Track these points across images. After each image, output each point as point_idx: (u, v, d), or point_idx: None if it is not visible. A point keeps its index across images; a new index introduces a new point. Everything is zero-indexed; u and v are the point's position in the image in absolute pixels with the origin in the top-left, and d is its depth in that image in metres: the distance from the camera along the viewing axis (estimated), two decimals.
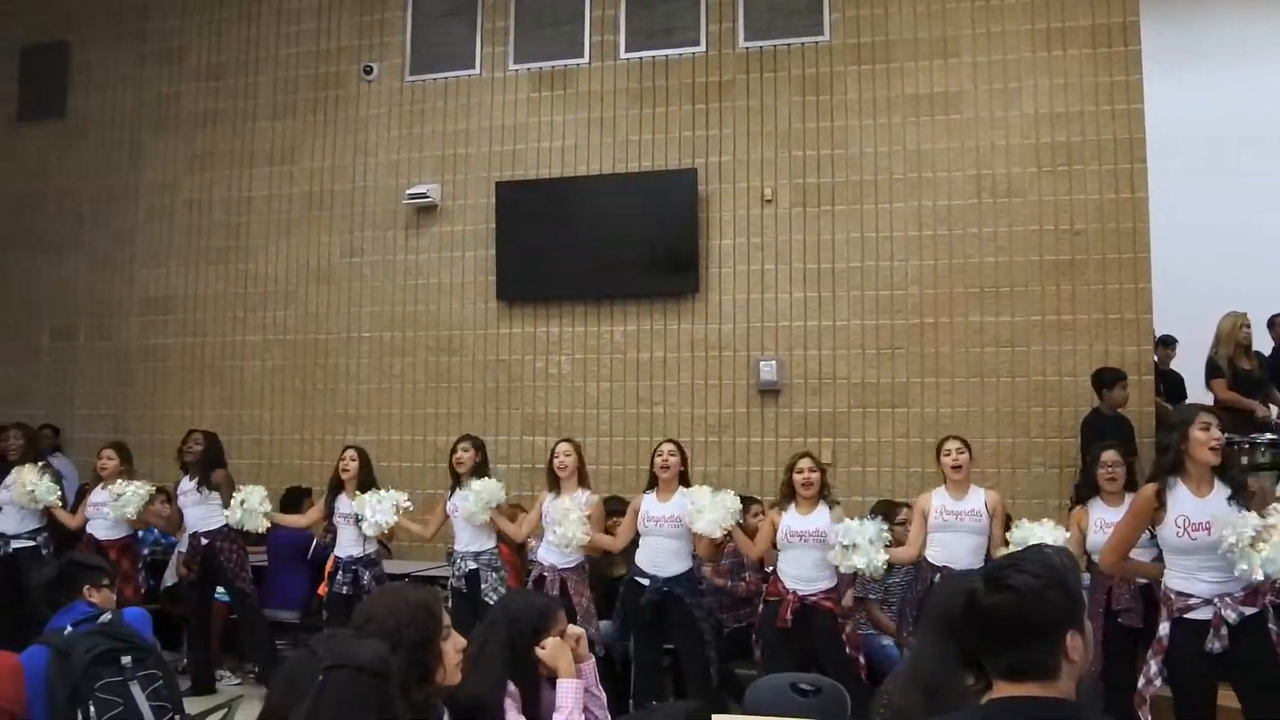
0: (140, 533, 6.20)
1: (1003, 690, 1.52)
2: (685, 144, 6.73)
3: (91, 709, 2.78)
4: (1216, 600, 3.35)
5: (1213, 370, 6.07)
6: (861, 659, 4.51)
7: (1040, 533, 4.24)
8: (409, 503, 5.40)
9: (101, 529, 5.69)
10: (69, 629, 2.93)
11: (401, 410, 7.12)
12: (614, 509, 5.40)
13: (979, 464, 5.38)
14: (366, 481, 5.47)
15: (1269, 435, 5.66)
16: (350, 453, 5.56)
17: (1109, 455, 4.45)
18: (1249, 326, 6.13)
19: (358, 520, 5.30)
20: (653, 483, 4.93)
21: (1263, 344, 6.53)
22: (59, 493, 5.88)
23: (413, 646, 2.02)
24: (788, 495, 4.68)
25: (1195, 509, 3.39)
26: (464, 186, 7.12)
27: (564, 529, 4.81)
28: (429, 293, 7.13)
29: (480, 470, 5.31)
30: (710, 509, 4.63)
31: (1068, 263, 6.07)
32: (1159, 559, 3.64)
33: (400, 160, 7.27)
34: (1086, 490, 4.53)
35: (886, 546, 4.46)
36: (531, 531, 5.34)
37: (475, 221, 7.06)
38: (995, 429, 6.08)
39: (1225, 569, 3.34)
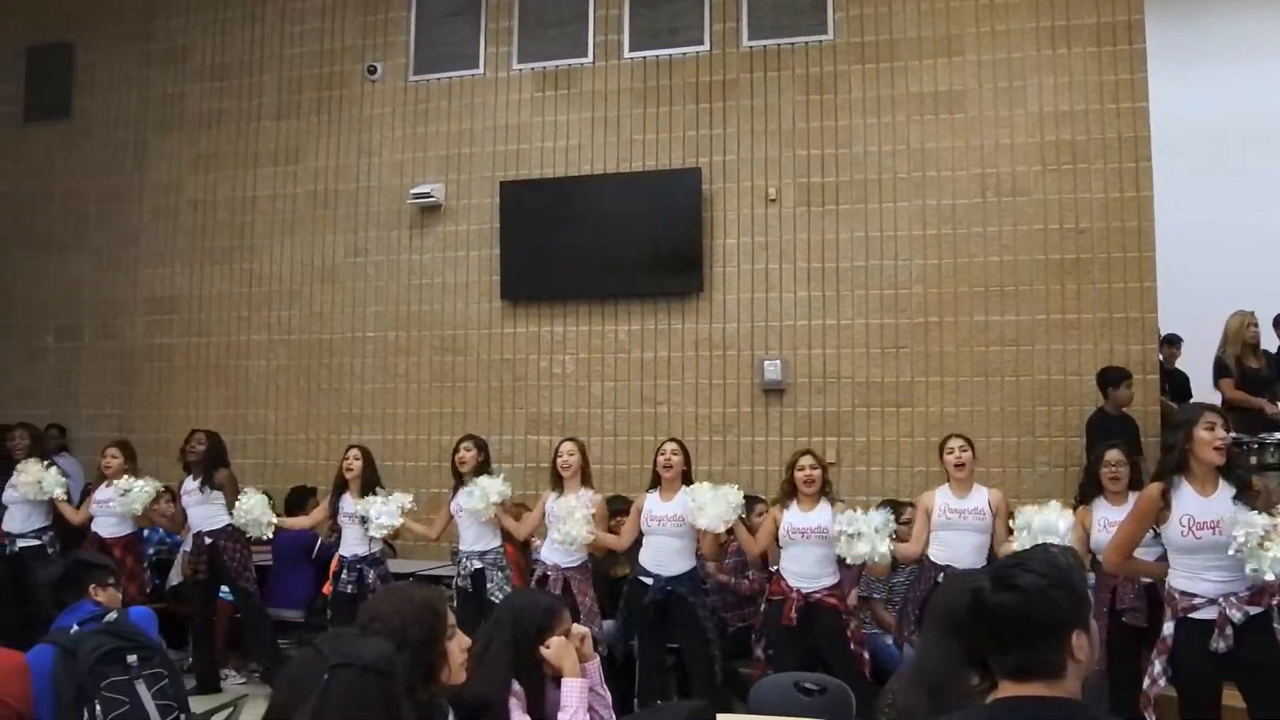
0: (145, 531, 6.23)
1: (1008, 690, 1.52)
2: (689, 143, 6.73)
3: (97, 708, 2.78)
4: (1221, 600, 3.34)
5: (1220, 369, 6.04)
6: (866, 656, 4.49)
7: (1046, 516, 4.21)
8: (413, 504, 5.41)
9: (106, 526, 5.72)
10: (75, 628, 2.93)
11: (406, 410, 7.12)
12: (617, 508, 5.40)
13: (984, 463, 5.38)
14: (370, 481, 5.47)
15: (1278, 435, 5.64)
16: (354, 452, 5.55)
17: (1112, 454, 4.44)
18: (1256, 325, 6.11)
19: (362, 520, 5.32)
20: (655, 482, 4.92)
21: (1270, 343, 6.51)
22: (65, 483, 5.90)
23: (418, 645, 2.02)
24: (789, 493, 4.67)
25: (1200, 508, 3.39)
26: (468, 186, 7.12)
27: (568, 528, 4.81)
28: (433, 292, 7.14)
29: (482, 470, 5.30)
30: (712, 504, 4.61)
31: (1073, 262, 6.06)
32: (1163, 558, 3.63)
33: (404, 160, 7.28)
34: (1090, 489, 4.51)
35: (893, 537, 4.42)
36: (534, 530, 5.33)
37: (479, 221, 7.06)
38: (1000, 428, 6.07)
39: (1230, 568, 3.34)
